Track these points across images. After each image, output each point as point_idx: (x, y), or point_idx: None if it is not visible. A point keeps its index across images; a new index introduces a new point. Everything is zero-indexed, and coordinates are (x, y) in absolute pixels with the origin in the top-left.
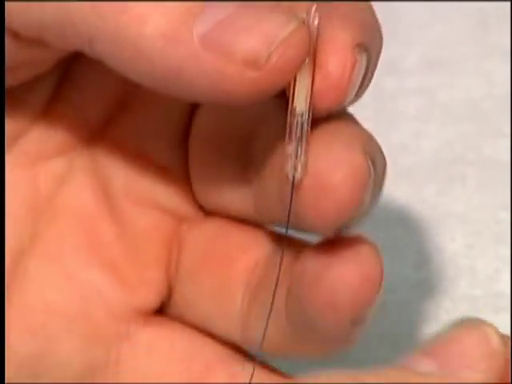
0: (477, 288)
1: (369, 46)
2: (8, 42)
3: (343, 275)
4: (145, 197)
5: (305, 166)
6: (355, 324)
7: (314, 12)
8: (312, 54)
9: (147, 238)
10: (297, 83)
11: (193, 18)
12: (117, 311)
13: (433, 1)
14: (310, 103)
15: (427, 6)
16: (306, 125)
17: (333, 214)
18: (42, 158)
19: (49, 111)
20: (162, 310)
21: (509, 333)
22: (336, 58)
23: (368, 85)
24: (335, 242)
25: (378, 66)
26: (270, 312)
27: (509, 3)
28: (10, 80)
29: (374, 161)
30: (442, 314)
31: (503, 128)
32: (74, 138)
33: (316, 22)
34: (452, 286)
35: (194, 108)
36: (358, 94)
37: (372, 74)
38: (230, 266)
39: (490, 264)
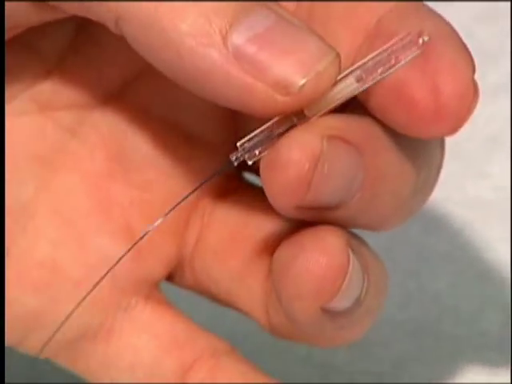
0: (460, 327)
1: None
2: None
3: (308, 265)
4: (164, 164)
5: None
6: (332, 317)
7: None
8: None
9: (162, 206)
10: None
11: (230, 25)
12: (122, 282)
13: None
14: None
15: None
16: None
17: (284, 191)
18: (53, 108)
19: (65, 63)
20: (171, 276)
21: (495, 372)
22: (459, 87)
23: None
24: (304, 233)
25: None
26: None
27: (509, 3)
28: (22, 20)
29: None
30: (426, 354)
31: (486, 168)
32: (88, 94)
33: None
34: (436, 325)
35: None
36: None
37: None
38: (254, 246)
39: (473, 303)
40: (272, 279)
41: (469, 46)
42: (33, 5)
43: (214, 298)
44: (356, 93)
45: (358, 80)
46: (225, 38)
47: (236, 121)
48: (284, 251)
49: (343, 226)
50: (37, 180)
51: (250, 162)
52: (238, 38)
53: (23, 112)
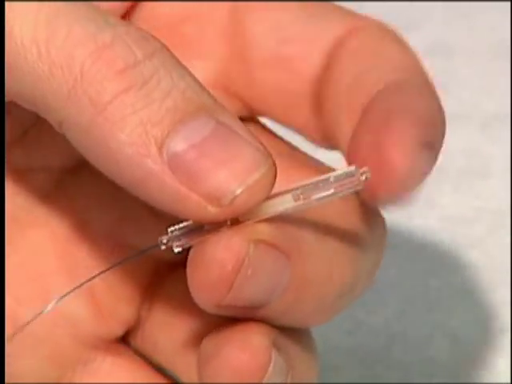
0: (409, 354)
1: (434, 144)
2: None
3: (229, 359)
4: (126, 233)
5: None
6: None
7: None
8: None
9: (126, 273)
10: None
11: (167, 134)
12: (83, 339)
13: None
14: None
15: None
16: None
17: (205, 289)
18: (28, 171)
19: (40, 126)
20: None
21: None
22: (404, 154)
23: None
24: (232, 327)
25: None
26: None
27: (509, 3)
28: None
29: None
30: (376, 380)
31: (433, 198)
32: (64, 154)
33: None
34: (385, 352)
35: None
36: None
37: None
38: (200, 318)
39: (421, 330)
40: (197, 365)
41: None
42: None
43: (158, 367)
44: (290, 211)
45: (296, 199)
46: (160, 148)
47: None
48: (210, 341)
49: (267, 322)
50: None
51: (175, 250)
52: (174, 147)
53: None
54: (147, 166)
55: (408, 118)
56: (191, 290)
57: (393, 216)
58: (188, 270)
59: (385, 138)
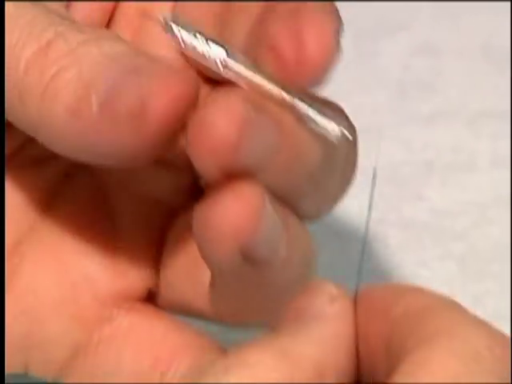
0: None
1: (340, 32)
2: None
3: (225, 208)
4: (137, 190)
5: None
6: (252, 267)
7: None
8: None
9: (139, 226)
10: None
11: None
12: (103, 296)
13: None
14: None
15: (348, 76)
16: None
17: (210, 151)
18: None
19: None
20: (153, 301)
21: None
22: (322, 39)
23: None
24: (223, 187)
25: None
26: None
27: (509, 3)
28: None
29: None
30: None
31: (421, 191)
32: (35, 194)
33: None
34: None
35: None
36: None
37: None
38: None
39: None
40: (193, 232)
41: (407, 76)
42: None
43: (180, 312)
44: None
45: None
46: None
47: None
48: (203, 203)
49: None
50: (30, 219)
51: None
52: (99, 98)
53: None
54: (83, 121)
55: (319, 6)
56: (194, 157)
57: (383, 209)
58: (190, 137)
59: (303, 24)
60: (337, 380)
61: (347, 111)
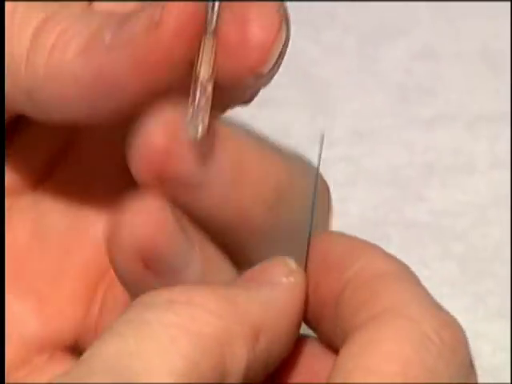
0: None
1: (287, 22)
2: None
3: (129, 219)
4: (81, 233)
5: (205, 127)
6: (150, 269)
7: None
8: (213, 23)
9: (75, 274)
10: (201, 50)
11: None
12: (28, 340)
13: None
14: (214, 68)
15: (350, 81)
16: (209, 88)
17: (148, 163)
18: None
19: None
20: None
21: None
22: (263, 20)
23: (281, 63)
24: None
25: (308, 136)
26: None
27: (509, 3)
28: None
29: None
30: None
31: (422, 192)
32: (18, 180)
33: None
34: None
35: None
36: (274, 68)
37: (283, 56)
38: None
39: None
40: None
41: (407, 80)
42: None
43: None
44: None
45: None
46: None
47: None
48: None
49: (205, 215)
50: None
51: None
52: (108, 34)
53: None
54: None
55: None
56: (132, 166)
57: (384, 210)
58: (129, 150)
59: (246, 7)
60: (267, 345)
61: (349, 115)
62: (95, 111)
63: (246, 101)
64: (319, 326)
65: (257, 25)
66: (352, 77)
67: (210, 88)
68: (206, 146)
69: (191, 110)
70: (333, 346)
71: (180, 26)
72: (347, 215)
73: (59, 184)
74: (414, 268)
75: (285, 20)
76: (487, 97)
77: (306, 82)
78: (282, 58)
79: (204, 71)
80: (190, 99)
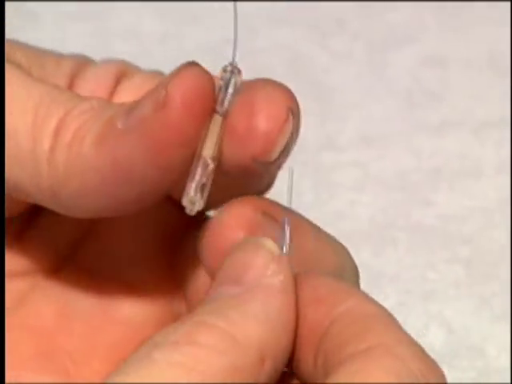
0: None
1: (296, 116)
2: None
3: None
4: (108, 312)
5: (203, 203)
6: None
7: (232, 67)
8: (221, 104)
9: (103, 353)
10: (208, 128)
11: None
12: None
13: None
14: (218, 148)
15: (359, 87)
16: (211, 166)
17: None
18: (9, 275)
19: (22, 238)
20: None
21: None
22: (270, 110)
23: (289, 153)
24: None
25: (317, 141)
26: None
27: (509, 3)
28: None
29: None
30: None
31: (430, 197)
32: (42, 260)
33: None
34: None
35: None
36: (282, 158)
37: (291, 148)
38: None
39: (419, 319)
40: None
41: (415, 87)
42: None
43: None
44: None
45: None
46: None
47: (174, 268)
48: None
49: None
50: None
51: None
52: (122, 119)
53: None
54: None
55: (272, 86)
56: (204, 257)
57: (392, 214)
58: (200, 242)
59: (255, 96)
60: (272, 364)
61: (358, 120)
62: (118, 202)
63: (263, 189)
64: (297, 355)
65: (263, 114)
66: (361, 83)
67: (211, 166)
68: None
69: (191, 185)
70: (307, 378)
71: (187, 103)
72: (356, 219)
73: (83, 264)
74: (421, 271)
75: (293, 110)
76: (493, 102)
77: (315, 88)
78: (291, 147)
79: (208, 148)
80: (191, 174)
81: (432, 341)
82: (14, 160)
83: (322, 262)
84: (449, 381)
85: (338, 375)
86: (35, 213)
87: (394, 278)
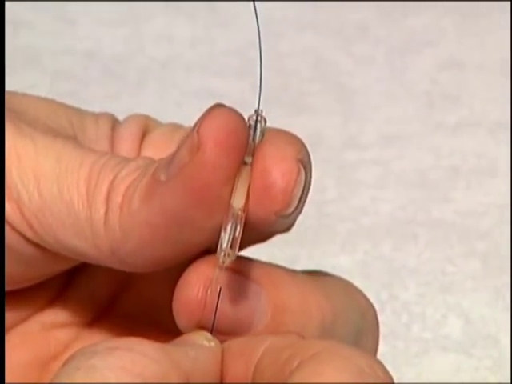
0: (427, 331)
1: (306, 165)
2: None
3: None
4: None
5: (234, 253)
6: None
7: (259, 115)
8: (252, 154)
9: None
10: (237, 179)
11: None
12: None
13: None
14: (247, 198)
15: (381, 90)
16: (242, 216)
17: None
18: (52, 327)
19: (64, 292)
20: None
21: (458, 369)
22: (283, 167)
23: (305, 199)
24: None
25: (341, 140)
26: None
27: (509, 3)
28: (35, 278)
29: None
30: (396, 354)
31: (448, 194)
32: (84, 313)
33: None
34: (405, 329)
35: None
36: (297, 209)
37: (307, 194)
38: None
39: (438, 310)
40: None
41: (434, 89)
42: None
43: None
44: None
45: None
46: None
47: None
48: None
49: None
50: (36, 381)
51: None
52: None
53: (28, 332)
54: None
55: (282, 138)
56: (175, 315)
57: (413, 210)
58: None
59: (268, 159)
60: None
61: (379, 121)
62: (173, 250)
63: (285, 230)
64: None
65: (277, 172)
66: (382, 86)
67: (242, 216)
68: (241, 290)
69: (223, 236)
70: None
71: (219, 140)
72: (377, 215)
73: (122, 313)
74: (440, 265)
75: (303, 161)
76: (508, 105)
77: (338, 91)
78: (307, 192)
79: (238, 199)
80: (223, 227)
81: (450, 331)
82: (72, 228)
83: (310, 316)
84: (466, 368)
85: (293, 380)
86: (74, 269)
87: (414, 271)
